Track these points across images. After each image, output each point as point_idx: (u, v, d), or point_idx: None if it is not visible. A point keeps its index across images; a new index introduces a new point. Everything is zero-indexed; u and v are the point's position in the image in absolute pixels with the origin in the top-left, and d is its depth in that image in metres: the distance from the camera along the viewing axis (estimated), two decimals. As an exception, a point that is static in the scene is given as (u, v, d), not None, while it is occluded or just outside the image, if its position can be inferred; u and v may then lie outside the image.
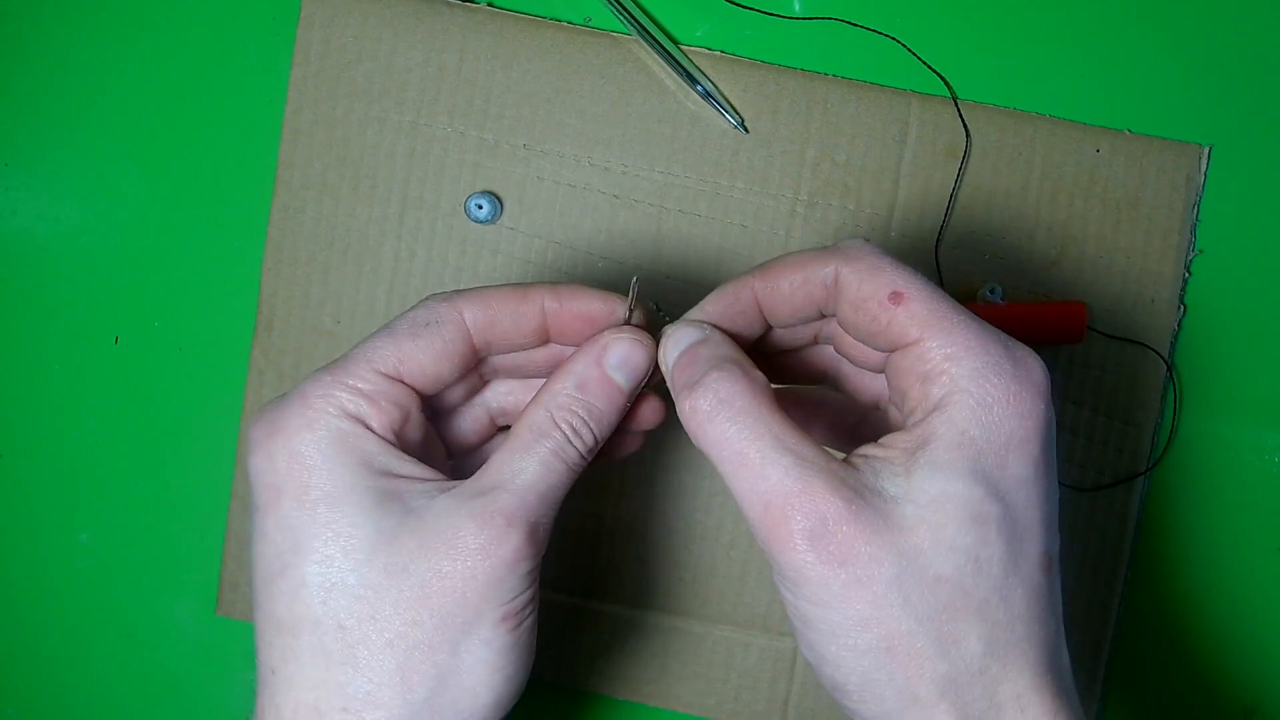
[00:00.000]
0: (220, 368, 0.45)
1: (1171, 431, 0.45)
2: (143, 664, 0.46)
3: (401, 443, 0.30)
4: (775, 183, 0.44)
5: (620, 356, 0.31)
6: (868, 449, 0.29)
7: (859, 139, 0.44)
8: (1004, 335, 0.29)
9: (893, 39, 0.44)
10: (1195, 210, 0.44)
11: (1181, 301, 0.44)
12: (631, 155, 0.44)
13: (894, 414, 0.31)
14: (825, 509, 0.26)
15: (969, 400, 0.27)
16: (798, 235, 0.44)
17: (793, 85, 0.44)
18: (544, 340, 0.32)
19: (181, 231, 0.45)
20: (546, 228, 0.44)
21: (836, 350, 0.33)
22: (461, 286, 0.44)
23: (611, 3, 0.43)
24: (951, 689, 0.27)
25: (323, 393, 0.29)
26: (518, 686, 0.30)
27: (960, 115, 0.43)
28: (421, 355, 0.30)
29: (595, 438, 0.31)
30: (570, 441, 0.30)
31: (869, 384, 0.34)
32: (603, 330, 0.31)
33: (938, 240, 0.44)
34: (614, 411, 0.31)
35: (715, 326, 0.31)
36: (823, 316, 0.32)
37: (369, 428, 0.29)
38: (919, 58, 0.44)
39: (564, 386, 0.31)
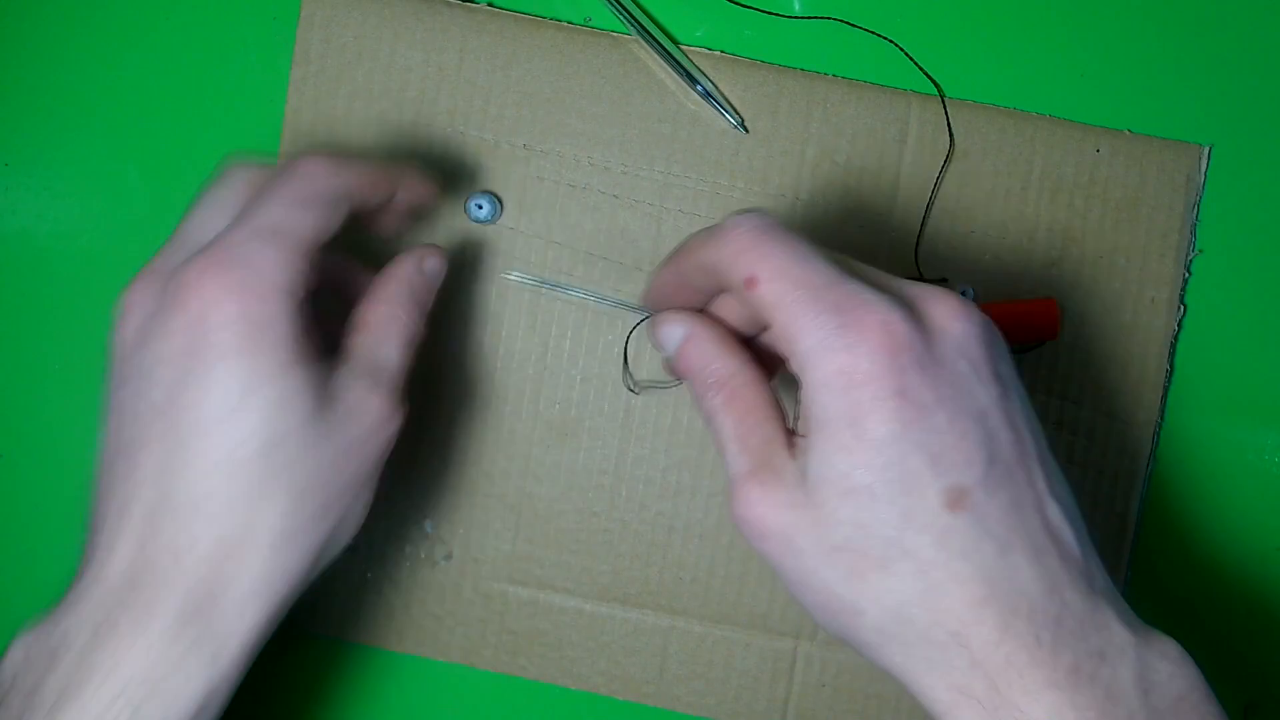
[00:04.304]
0: (220, 368, 0.45)
1: (1172, 432, 0.45)
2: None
3: None
4: (775, 183, 0.44)
5: (435, 266, 0.38)
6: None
7: (859, 139, 0.44)
8: (842, 300, 0.29)
9: (888, 40, 0.44)
10: (1195, 210, 0.44)
11: (1181, 301, 0.44)
12: (631, 155, 0.44)
13: None
14: (747, 491, 0.30)
15: (812, 381, 0.29)
16: (798, 235, 0.44)
17: (793, 85, 0.44)
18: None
19: (181, 231, 0.45)
20: (546, 228, 0.44)
21: None
22: (460, 288, 0.44)
23: (611, 3, 0.43)
24: (884, 635, 0.29)
25: (284, 265, 0.31)
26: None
27: (947, 116, 0.43)
28: (333, 230, 0.33)
29: (422, 323, 0.37)
30: (409, 328, 0.36)
31: None
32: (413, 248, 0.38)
33: (917, 242, 0.44)
34: (430, 302, 0.37)
35: (692, 310, 0.35)
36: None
37: (303, 303, 0.32)
38: (911, 59, 0.44)
39: (399, 289, 0.36)
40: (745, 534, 0.31)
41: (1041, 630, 0.28)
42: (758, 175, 0.44)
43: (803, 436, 0.30)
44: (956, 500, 0.28)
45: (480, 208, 0.43)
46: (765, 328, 0.34)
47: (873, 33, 0.44)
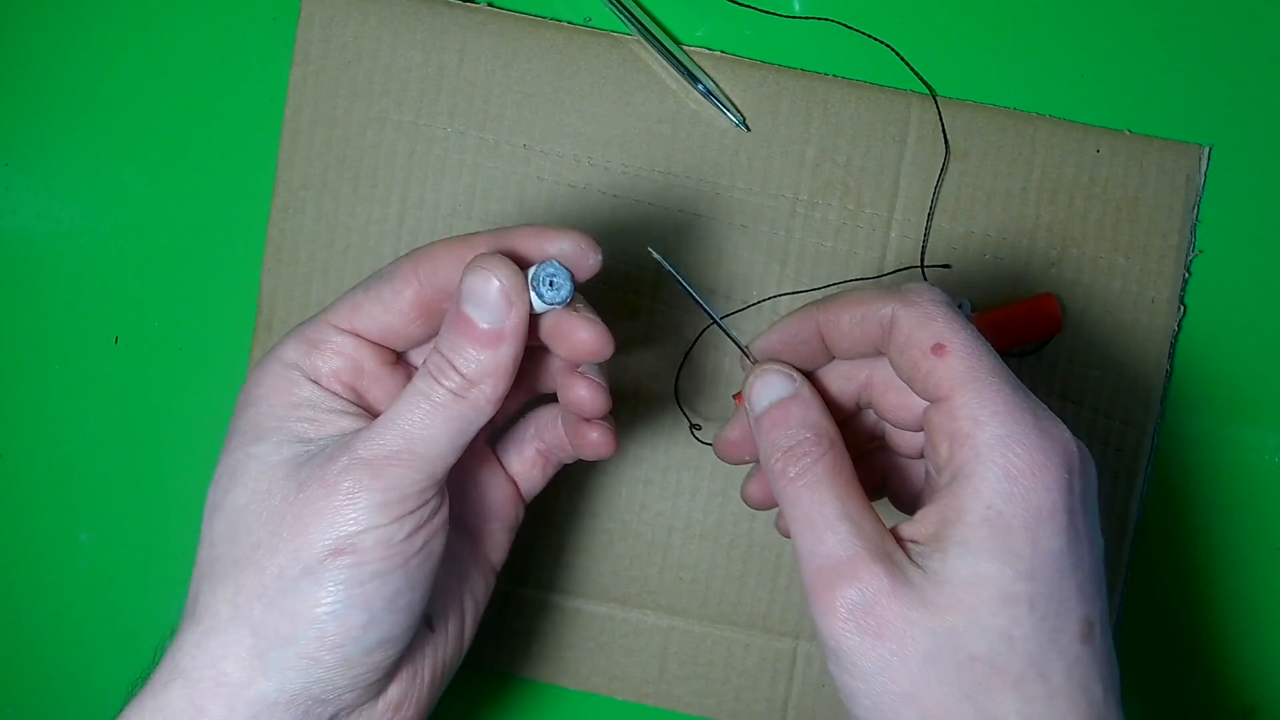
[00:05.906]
0: (220, 368, 0.45)
1: (1172, 432, 0.45)
2: (142, 664, 0.46)
3: (358, 392, 0.33)
4: (775, 183, 0.44)
5: (466, 291, 0.30)
6: (904, 526, 0.29)
7: (859, 139, 0.44)
8: (1034, 401, 0.28)
9: (883, 43, 0.44)
10: (1195, 210, 0.44)
11: (1181, 301, 0.44)
12: (631, 155, 0.44)
13: (931, 472, 0.31)
14: (869, 580, 0.27)
15: (994, 470, 0.27)
16: (798, 235, 0.44)
17: (793, 85, 0.44)
18: None
19: (181, 231, 0.45)
20: (546, 228, 0.44)
21: (877, 414, 0.34)
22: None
23: (612, 2, 0.43)
24: None
25: (281, 342, 0.33)
26: (355, 632, 0.30)
27: (941, 119, 0.43)
28: (370, 306, 0.32)
29: (462, 375, 0.30)
30: (438, 381, 0.30)
31: (911, 440, 0.34)
32: None
33: (923, 249, 0.44)
34: (477, 346, 0.30)
35: (799, 370, 0.32)
36: (880, 354, 0.32)
37: (311, 376, 0.32)
38: (905, 61, 0.44)
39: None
40: (846, 628, 0.27)
41: None
42: (758, 175, 0.44)
43: (917, 543, 0.28)
44: (1087, 633, 0.28)
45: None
46: (858, 410, 0.34)
47: (869, 35, 0.44)
